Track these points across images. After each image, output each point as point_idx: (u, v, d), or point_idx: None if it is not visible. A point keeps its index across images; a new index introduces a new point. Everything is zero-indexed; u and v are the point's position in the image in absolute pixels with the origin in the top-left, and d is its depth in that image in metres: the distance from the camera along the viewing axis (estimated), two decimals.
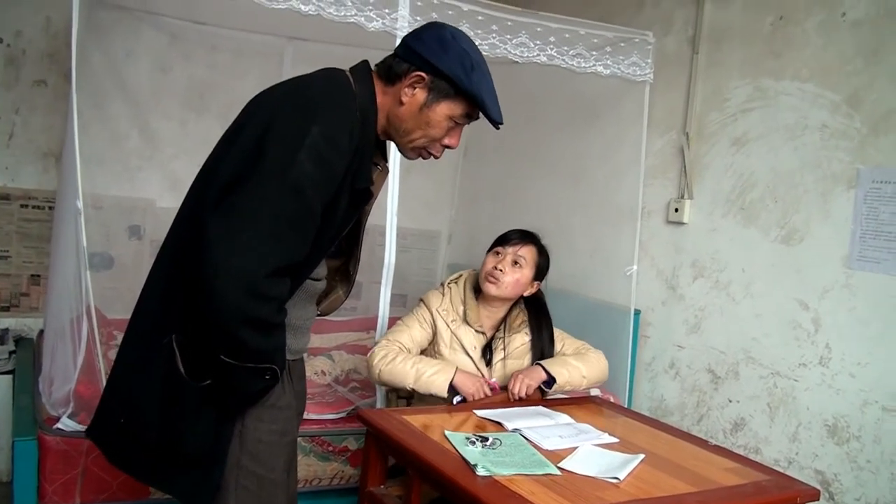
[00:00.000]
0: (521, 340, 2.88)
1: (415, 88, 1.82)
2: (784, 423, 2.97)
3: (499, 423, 2.42)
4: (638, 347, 3.64)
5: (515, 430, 2.34)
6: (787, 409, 2.96)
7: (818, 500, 2.25)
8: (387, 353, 2.69)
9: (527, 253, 2.84)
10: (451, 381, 2.63)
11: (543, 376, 2.69)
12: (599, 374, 2.84)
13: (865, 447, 2.71)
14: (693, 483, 2.08)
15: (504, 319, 2.91)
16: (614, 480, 2.03)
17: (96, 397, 2.75)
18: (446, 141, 1.90)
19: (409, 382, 2.63)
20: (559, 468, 2.07)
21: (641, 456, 2.21)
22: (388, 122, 1.88)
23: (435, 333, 2.86)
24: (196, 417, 1.77)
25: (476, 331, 2.86)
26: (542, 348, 2.88)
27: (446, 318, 2.85)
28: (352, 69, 1.87)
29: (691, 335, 3.40)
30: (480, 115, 1.89)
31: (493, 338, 2.88)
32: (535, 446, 2.22)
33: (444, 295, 2.91)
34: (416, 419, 2.40)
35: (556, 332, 2.94)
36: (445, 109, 1.84)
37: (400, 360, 2.67)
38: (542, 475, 2.02)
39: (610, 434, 2.41)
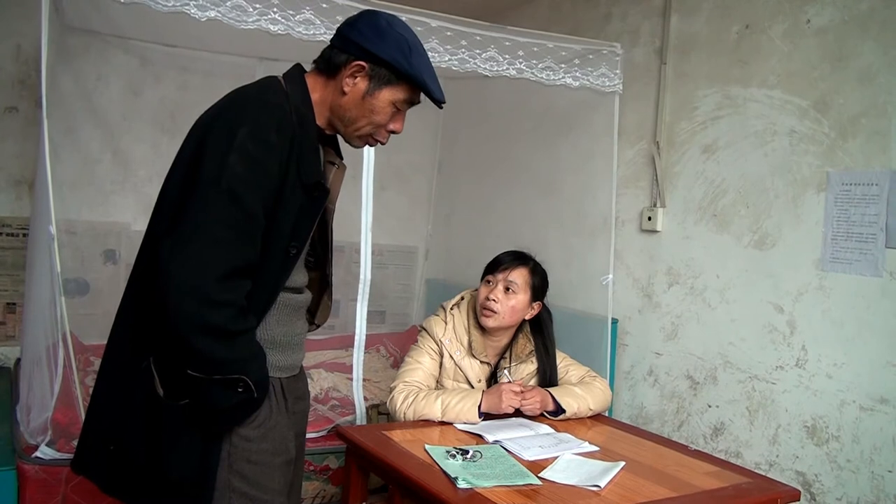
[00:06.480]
0: (527, 370, 2.85)
1: (356, 78, 1.83)
2: (763, 425, 2.99)
3: (479, 436, 2.42)
4: (616, 356, 3.65)
5: (496, 441, 2.35)
6: (766, 411, 2.98)
7: (799, 500, 2.28)
8: (407, 395, 2.63)
9: (517, 277, 2.79)
10: (479, 407, 2.57)
11: (551, 406, 2.66)
12: (605, 404, 2.81)
13: (845, 447, 2.73)
14: (674, 488, 2.10)
15: (509, 346, 2.87)
16: (595, 488, 2.04)
17: (74, 424, 2.75)
18: (391, 126, 1.91)
19: (437, 417, 2.57)
20: (540, 478, 2.08)
21: (622, 463, 2.23)
22: (331, 112, 1.89)
23: (440, 364, 2.81)
24: (178, 440, 1.74)
25: (481, 362, 2.81)
26: (548, 373, 2.85)
27: (451, 350, 2.79)
28: (284, 74, 1.89)
29: (669, 342, 3.42)
30: (422, 97, 1.91)
31: (497, 366, 2.83)
32: (516, 457, 2.23)
33: (446, 323, 2.84)
34: (396, 434, 2.40)
35: (559, 355, 2.91)
36: (388, 95, 1.84)
37: (422, 397, 2.61)
38: (524, 486, 2.03)
39: (590, 443, 2.42)
